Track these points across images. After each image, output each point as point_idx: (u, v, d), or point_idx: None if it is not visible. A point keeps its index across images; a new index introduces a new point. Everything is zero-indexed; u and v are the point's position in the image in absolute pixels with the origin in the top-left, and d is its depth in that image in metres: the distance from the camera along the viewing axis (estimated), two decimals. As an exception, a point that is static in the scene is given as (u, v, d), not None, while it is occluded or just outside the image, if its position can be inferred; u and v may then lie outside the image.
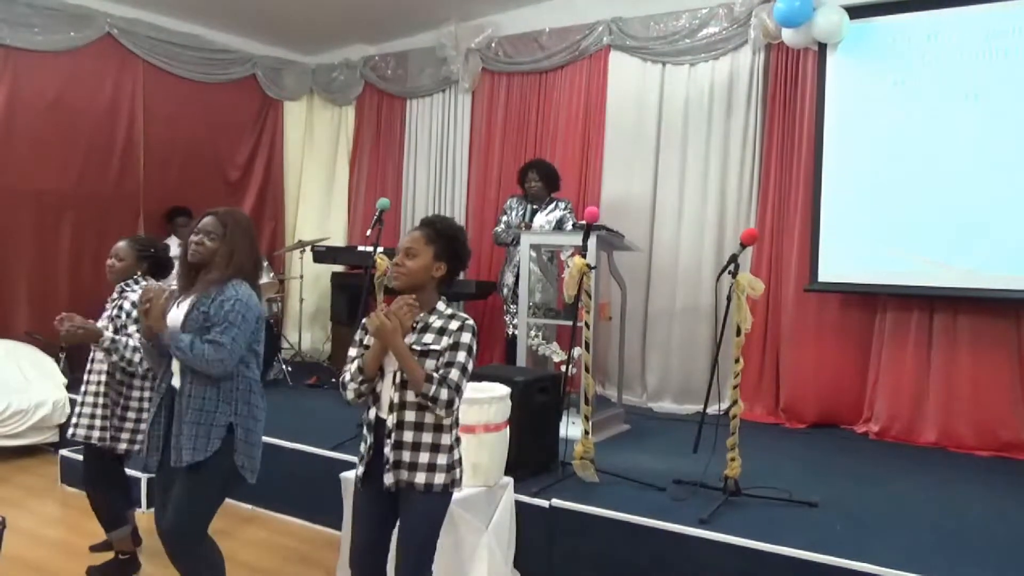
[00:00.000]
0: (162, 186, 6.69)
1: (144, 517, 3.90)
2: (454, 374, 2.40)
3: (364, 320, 2.53)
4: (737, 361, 3.57)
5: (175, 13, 6.65)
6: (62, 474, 4.74)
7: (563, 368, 4.30)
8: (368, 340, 2.53)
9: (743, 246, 3.68)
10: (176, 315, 2.72)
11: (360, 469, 2.53)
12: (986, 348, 4.84)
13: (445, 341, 2.43)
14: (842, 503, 3.65)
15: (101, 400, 3.38)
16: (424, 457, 2.42)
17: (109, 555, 3.56)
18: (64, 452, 4.78)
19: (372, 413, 2.51)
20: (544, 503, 3.49)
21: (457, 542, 3.13)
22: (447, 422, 2.45)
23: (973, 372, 4.85)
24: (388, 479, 2.42)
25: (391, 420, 2.43)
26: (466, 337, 2.44)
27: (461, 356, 2.43)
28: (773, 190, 5.57)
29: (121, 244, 3.51)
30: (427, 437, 2.43)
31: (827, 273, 5.23)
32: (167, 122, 6.73)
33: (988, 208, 4.71)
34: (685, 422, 5.21)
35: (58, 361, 5.69)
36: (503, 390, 3.40)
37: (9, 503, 4.34)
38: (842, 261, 5.18)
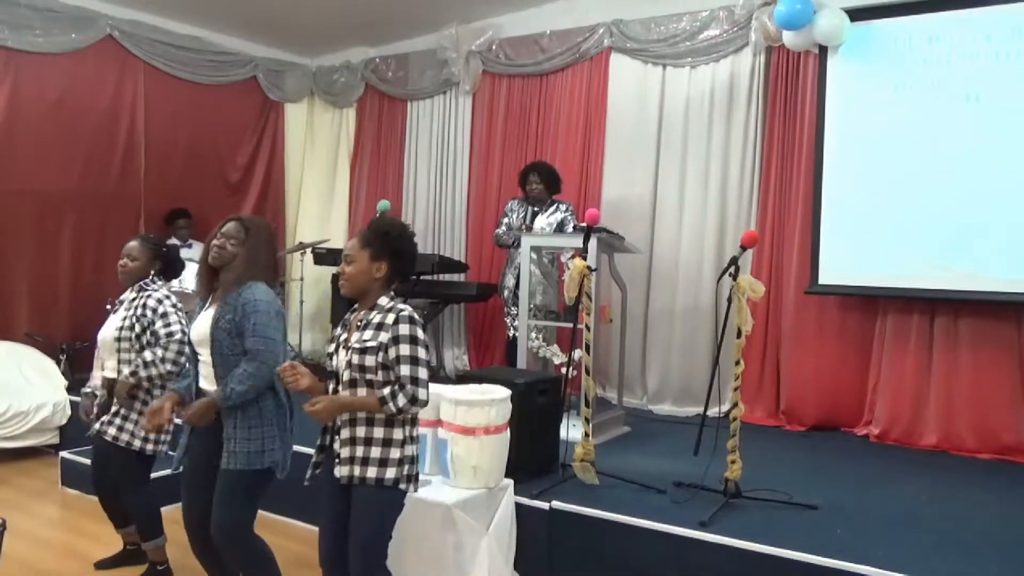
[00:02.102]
0: (163, 188, 6.69)
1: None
2: (404, 370, 2.42)
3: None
4: (738, 363, 3.57)
5: (176, 15, 6.65)
6: (63, 476, 4.74)
7: (563, 370, 4.30)
8: (344, 337, 2.58)
9: (743, 248, 3.68)
10: (203, 324, 2.76)
11: (312, 463, 2.59)
12: (987, 350, 4.83)
13: (383, 335, 2.45)
14: (843, 506, 3.65)
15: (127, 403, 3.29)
16: (376, 452, 2.45)
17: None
18: (65, 454, 4.77)
19: None
20: (544, 505, 3.49)
21: (458, 544, 3.13)
22: (400, 416, 2.47)
23: (974, 375, 4.84)
24: (338, 471, 2.46)
25: (340, 417, 2.49)
26: (403, 328, 2.45)
27: (404, 349, 2.43)
28: (773, 192, 5.56)
29: (133, 244, 3.43)
30: (379, 432, 2.47)
31: (827, 275, 5.22)
32: (168, 124, 6.73)
33: (988, 210, 4.71)
34: (685, 424, 5.20)
35: (58, 363, 5.69)
36: (503, 392, 3.40)
37: (9, 505, 4.34)
38: (842, 263, 5.17)
